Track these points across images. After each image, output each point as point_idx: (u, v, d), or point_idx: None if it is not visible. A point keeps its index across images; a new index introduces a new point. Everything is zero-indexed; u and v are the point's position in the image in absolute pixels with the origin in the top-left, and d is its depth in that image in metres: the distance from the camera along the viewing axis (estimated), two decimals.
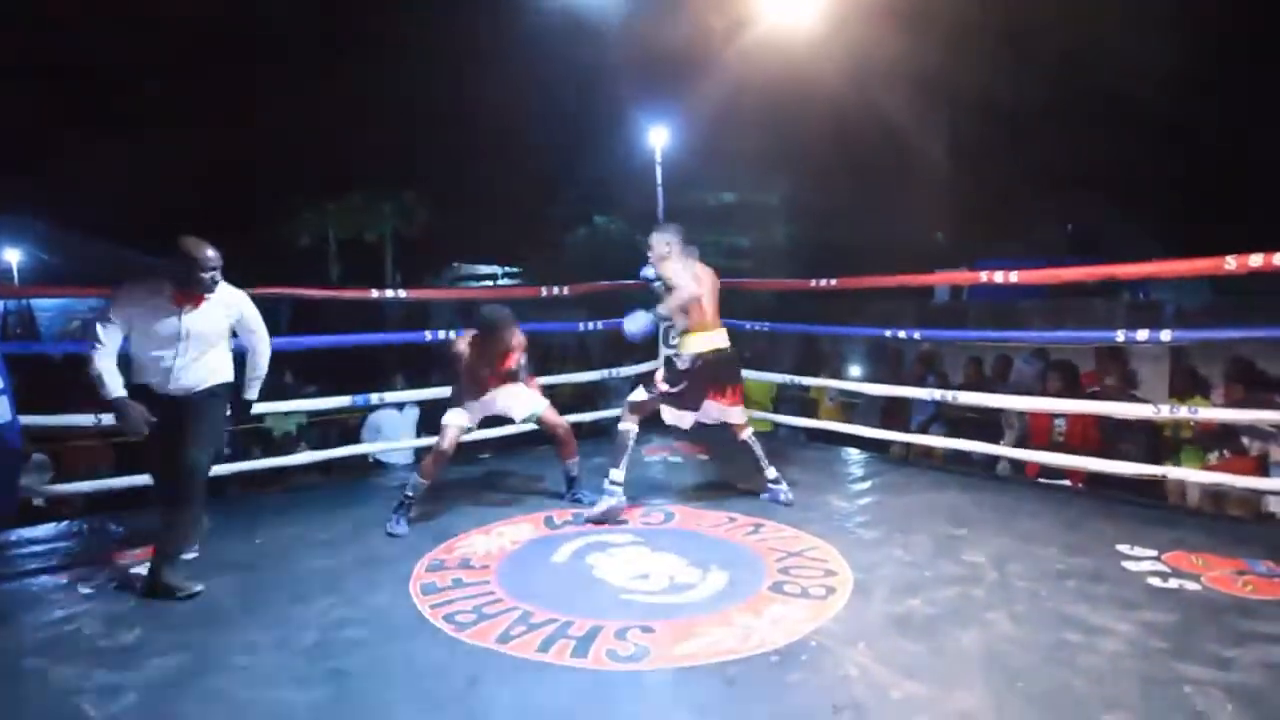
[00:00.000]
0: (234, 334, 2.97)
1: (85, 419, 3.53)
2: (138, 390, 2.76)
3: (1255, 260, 3.15)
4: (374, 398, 4.45)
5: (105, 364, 2.70)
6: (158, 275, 2.76)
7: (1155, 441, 4.54)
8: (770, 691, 2.04)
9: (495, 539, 3.27)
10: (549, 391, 6.03)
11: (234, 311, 2.91)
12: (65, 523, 3.56)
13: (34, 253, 15.90)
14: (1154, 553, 2.95)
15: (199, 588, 2.71)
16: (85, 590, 2.77)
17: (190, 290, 2.75)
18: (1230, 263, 3.23)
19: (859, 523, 3.36)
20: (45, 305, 12.16)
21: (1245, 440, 4.04)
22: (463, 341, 3.68)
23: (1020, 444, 4.62)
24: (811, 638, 2.31)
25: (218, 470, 3.98)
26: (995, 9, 10.85)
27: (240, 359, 3.03)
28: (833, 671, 2.12)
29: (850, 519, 3.43)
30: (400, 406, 5.05)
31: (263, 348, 3.05)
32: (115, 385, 2.71)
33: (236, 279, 2.94)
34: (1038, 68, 11.09)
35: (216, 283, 2.78)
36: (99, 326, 2.73)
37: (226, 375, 2.93)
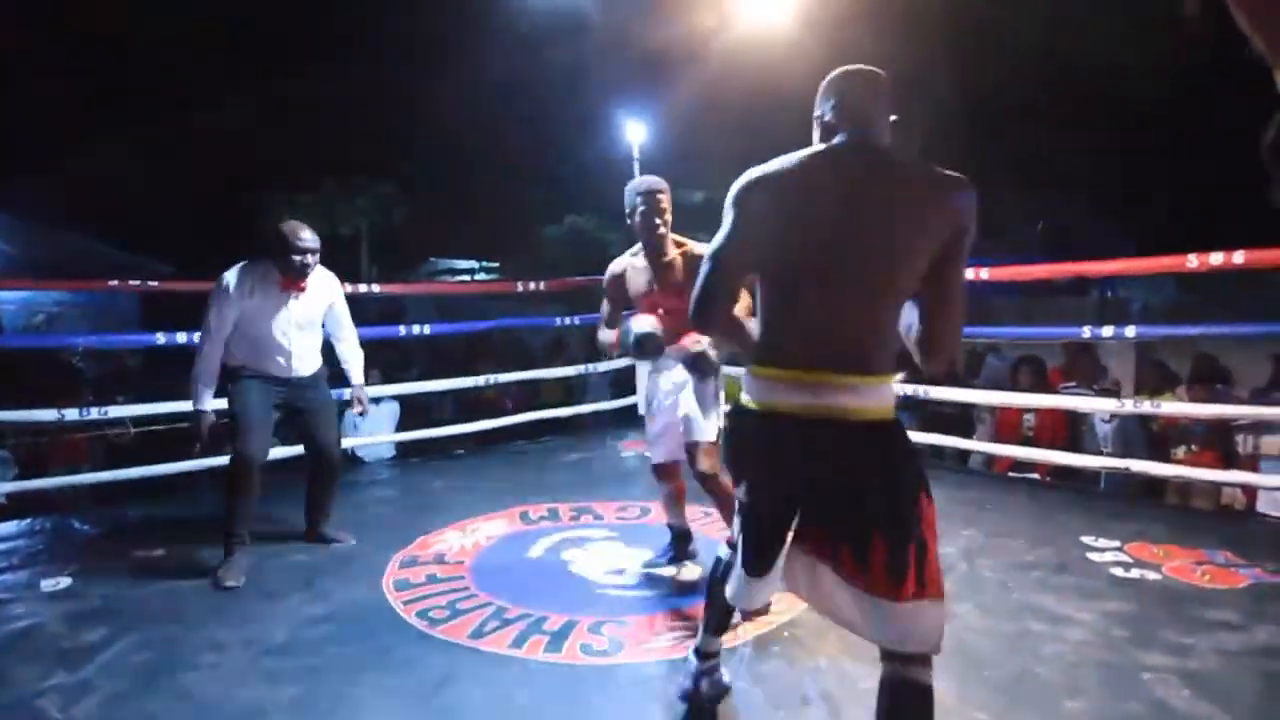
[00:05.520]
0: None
1: (48, 414, 3.46)
2: (253, 377, 2.76)
3: (1216, 258, 3.24)
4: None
5: (207, 364, 2.70)
6: (264, 261, 2.76)
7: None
8: (743, 683, 2.06)
9: (469, 535, 3.27)
10: (537, 387, 5.87)
11: (330, 299, 2.95)
12: (28, 520, 3.48)
13: None
14: (1117, 544, 3.03)
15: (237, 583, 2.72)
16: (48, 589, 2.71)
17: (288, 275, 2.74)
18: (1192, 261, 3.32)
19: None
20: (7, 298, 11.81)
21: (1239, 436, 4.07)
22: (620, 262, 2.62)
23: (992, 439, 4.69)
24: (784, 629, 2.34)
25: (189, 466, 3.93)
26: (972, 7, 10.98)
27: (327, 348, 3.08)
28: (804, 662, 2.15)
29: None
30: (377, 401, 5.00)
31: (355, 340, 3.12)
32: (207, 396, 2.74)
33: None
34: (1015, 66, 11.24)
35: (311, 268, 2.78)
36: (211, 315, 2.67)
37: (320, 361, 3.02)
